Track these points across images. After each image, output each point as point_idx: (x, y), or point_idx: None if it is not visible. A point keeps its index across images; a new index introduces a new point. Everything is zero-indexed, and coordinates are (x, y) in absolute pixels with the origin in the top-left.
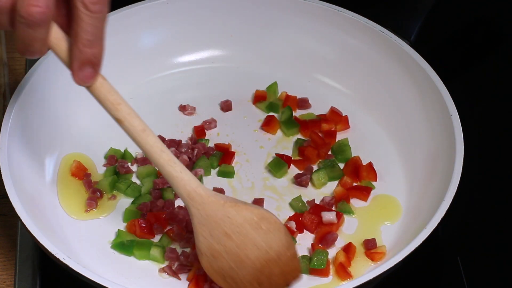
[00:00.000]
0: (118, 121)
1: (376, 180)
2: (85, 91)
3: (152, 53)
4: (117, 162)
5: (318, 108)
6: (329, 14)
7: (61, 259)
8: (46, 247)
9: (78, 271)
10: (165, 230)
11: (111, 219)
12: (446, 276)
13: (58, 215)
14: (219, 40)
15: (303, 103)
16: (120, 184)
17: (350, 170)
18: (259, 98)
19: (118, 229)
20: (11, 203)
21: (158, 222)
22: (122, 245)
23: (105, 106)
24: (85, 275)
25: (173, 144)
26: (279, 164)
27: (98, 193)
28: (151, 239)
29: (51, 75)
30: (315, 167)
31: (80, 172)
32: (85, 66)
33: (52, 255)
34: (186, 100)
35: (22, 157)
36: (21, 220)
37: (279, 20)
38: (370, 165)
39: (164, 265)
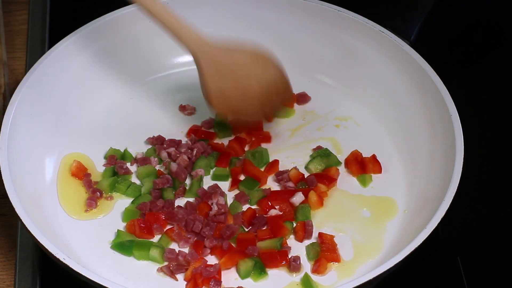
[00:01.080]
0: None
1: (381, 172)
2: (85, 92)
3: (152, 53)
4: (116, 162)
5: (318, 107)
6: (329, 14)
7: (61, 259)
8: (46, 247)
9: (78, 271)
10: (164, 230)
11: (111, 219)
12: (446, 276)
13: (58, 215)
14: (219, 40)
15: (302, 98)
16: (120, 185)
17: (352, 164)
18: None
19: (118, 230)
20: (11, 203)
21: (157, 222)
22: (122, 245)
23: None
24: (85, 275)
25: (172, 144)
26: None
27: (98, 193)
28: (151, 239)
29: (51, 75)
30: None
31: (80, 172)
32: None
33: (52, 255)
34: (186, 100)
35: (22, 157)
36: (21, 220)
37: (279, 20)
38: (374, 157)
39: (163, 265)
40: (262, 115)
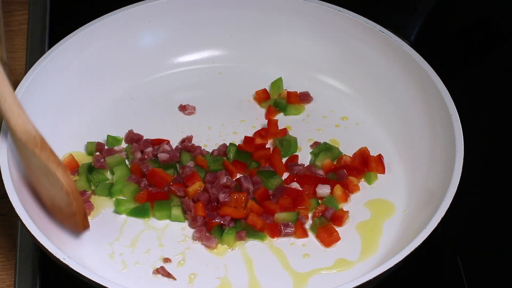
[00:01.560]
0: None
1: (384, 173)
2: (85, 92)
3: (152, 53)
4: (94, 156)
5: (318, 107)
6: (329, 14)
7: (61, 259)
8: (46, 247)
9: (78, 271)
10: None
11: (111, 219)
12: (446, 276)
13: None
14: (219, 40)
15: (305, 97)
16: (93, 176)
17: (358, 160)
18: (262, 98)
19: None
20: (11, 203)
21: (159, 178)
22: (138, 210)
23: None
24: (85, 275)
25: (147, 145)
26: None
27: (86, 192)
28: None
29: (51, 75)
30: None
31: (70, 167)
32: None
33: (52, 255)
34: (186, 100)
35: None
36: (21, 220)
37: (279, 20)
38: (379, 157)
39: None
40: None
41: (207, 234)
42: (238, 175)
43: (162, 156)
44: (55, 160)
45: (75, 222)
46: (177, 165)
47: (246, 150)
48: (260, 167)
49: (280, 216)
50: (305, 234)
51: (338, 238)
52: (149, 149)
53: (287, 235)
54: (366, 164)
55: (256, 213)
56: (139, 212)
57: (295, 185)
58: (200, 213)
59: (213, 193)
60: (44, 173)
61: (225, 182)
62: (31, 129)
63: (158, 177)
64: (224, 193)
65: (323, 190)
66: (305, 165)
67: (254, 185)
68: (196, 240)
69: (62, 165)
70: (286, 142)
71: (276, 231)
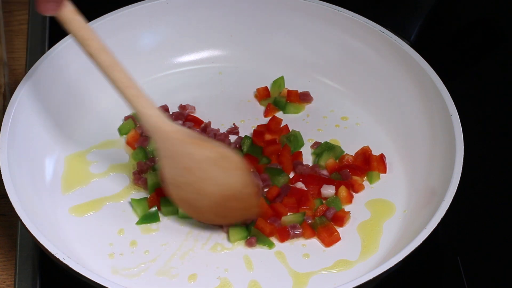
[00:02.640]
0: (89, 55)
1: (385, 172)
2: (85, 92)
3: (152, 53)
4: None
5: (318, 108)
6: (329, 14)
7: (61, 259)
8: (46, 247)
9: (78, 271)
10: None
11: (111, 219)
12: (446, 276)
13: (58, 215)
14: (219, 40)
15: (305, 97)
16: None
17: (360, 159)
18: (263, 95)
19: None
20: (11, 203)
21: None
22: (148, 217)
23: (77, 40)
24: (85, 275)
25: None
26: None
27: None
28: None
29: (51, 75)
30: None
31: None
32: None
33: (52, 255)
34: (186, 100)
35: (22, 157)
36: (21, 220)
37: (279, 20)
38: (381, 156)
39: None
40: (218, 218)
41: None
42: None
43: None
44: (221, 144)
45: (252, 203)
46: None
47: (258, 143)
48: (270, 163)
49: (287, 218)
50: (313, 234)
51: (338, 238)
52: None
53: (295, 236)
54: (368, 163)
55: (264, 215)
56: (149, 218)
57: (300, 185)
58: None
59: None
60: (214, 161)
61: None
62: (180, 126)
63: None
64: None
65: (328, 190)
66: (309, 165)
67: (263, 182)
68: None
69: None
70: (294, 138)
71: (284, 234)
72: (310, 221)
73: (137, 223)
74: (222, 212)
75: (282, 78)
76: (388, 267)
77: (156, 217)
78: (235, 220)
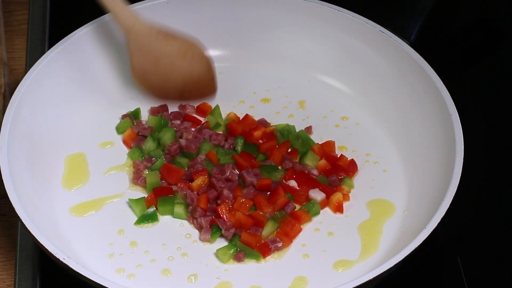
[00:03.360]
0: None
1: (357, 171)
2: (85, 92)
3: None
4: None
5: (318, 108)
6: (329, 14)
7: (61, 259)
8: (46, 247)
9: (78, 271)
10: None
11: (111, 219)
12: (446, 276)
13: (58, 215)
14: (219, 40)
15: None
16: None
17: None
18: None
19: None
20: (11, 203)
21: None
22: (146, 217)
23: None
24: (85, 275)
25: (178, 116)
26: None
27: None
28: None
29: (51, 75)
30: None
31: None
32: None
33: (52, 255)
34: (186, 100)
35: (22, 157)
36: (21, 220)
37: (279, 20)
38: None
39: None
40: (177, 96)
41: (206, 226)
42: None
43: (182, 141)
44: (188, 36)
45: (212, 85)
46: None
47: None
48: (268, 159)
49: (264, 232)
50: (291, 240)
51: (299, 230)
52: (177, 122)
53: (277, 249)
54: (335, 166)
55: (245, 226)
56: (147, 219)
57: (293, 183)
58: (202, 205)
59: (220, 186)
60: (182, 53)
61: (228, 175)
62: (151, 24)
63: (170, 172)
64: (229, 190)
65: (316, 195)
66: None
67: (255, 176)
68: (194, 225)
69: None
70: (287, 132)
71: (266, 250)
72: (268, 215)
73: (136, 223)
74: (184, 92)
75: (217, 107)
76: (388, 267)
77: (154, 217)
78: (195, 99)
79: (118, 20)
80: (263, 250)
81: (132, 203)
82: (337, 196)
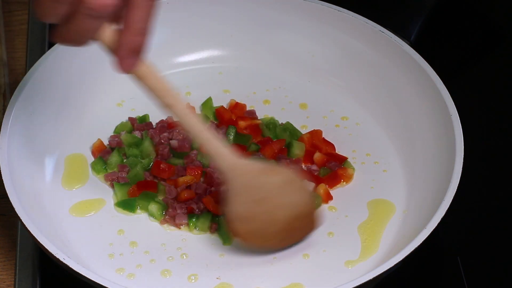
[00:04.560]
0: (166, 106)
1: (334, 150)
2: (85, 92)
3: (152, 53)
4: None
5: (318, 108)
6: (329, 14)
7: (61, 259)
8: (46, 247)
9: (78, 271)
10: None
11: (111, 219)
12: (446, 276)
13: (58, 215)
14: (219, 40)
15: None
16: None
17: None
18: None
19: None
20: (11, 203)
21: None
22: (126, 203)
23: (153, 93)
24: (85, 275)
25: (163, 130)
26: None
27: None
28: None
29: (51, 75)
30: None
31: (99, 150)
32: (131, 54)
33: (52, 255)
34: (186, 100)
35: (22, 157)
36: (21, 220)
37: (279, 20)
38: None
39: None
40: (283, 242)
41: (182, 211)
42: None
43: (174, 143)
44: (282, 167)
45: (313, 218)
46: None
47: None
48: (259, 150)
49: None
50: None
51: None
52: (165, 134)
53: None
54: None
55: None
56: (126, 205)
57: None
58: (180, 199)
59: (217, 178)
60: (283, 187)
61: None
62: (248, 160)
63: (161, 168)
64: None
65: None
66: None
67: None
68: (167, 218)
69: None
70: (272, 125)
71: None
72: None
73: (115, 204)
74: (287, 235)
75: (210, 99)
76: (388, 267)
77: (132, 207)
78: (295, 240)
79: (217, 158)
80: None
81: (117, 186)
82: (322, 187)
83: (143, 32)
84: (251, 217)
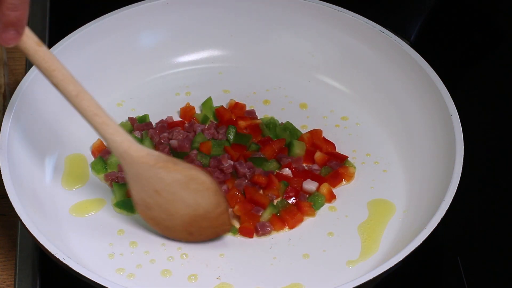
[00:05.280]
0: (54, 85)
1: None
2: None
3: (152, 53)
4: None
5: (318, 108)
6: (329, 14)
7: (61, 259)
8: (46, 247)
9: (78, 271)
10: None
11: (111, 219)
12: (446, 276)
13: (58, 215)
14: (219, 40)
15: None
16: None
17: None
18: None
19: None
20: (11, 203)
21: None
22: (124, 204)
23: (41, 71)
24: (85, 275)
25: (163, 130)
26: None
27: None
28: None
29: None
30: None
31: (100, 150)
32: (8, 28)
33: (52, 255)
34: (186, 100)
35: (22, 157)
36: (21, 220)
37: (279, 20)
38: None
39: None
40: (190, 236)
41: None
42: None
43: (174, 143)
44: (191, 165)
45: (224, 221)
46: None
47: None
48: (260, 150)
49: (264, 214)
50: (283, 225)
51: (301, 219)
52: (165, 134)
53: (265, 233)
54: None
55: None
56: (125, 206)
57: (287, 171)
58: None
59: (217, 177)
60: (184, 184)
61: (225, 166)
62: (149, 150)
63: None
64: (225, 186)
65: (309, 186)
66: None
67: (249, 169)
68: None
69: (197, 167)
70: (272, 125)
71: (254, 231)
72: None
73: (114, 204)
74: (193, 231)
75: (210, 99)
76: (388, 267)
77: (131, 207)
78: (207, 237)
79: (110, 144)
80: (248, 230)
81: (115, 186)
82: (325, 186)
83: (18, 7)
84: (150, 204)
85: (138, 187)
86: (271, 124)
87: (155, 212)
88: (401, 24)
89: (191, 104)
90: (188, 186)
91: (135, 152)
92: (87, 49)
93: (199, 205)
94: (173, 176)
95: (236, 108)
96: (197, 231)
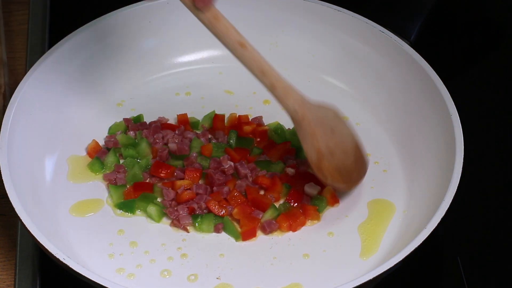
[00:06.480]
0: (231, 50)
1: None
2: (85, 91)
3: (152, 53)
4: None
5: None
6: (329, 14)
7: (61, 259)
8: (46, 247)
9: (78, 271)
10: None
11: (111, 219)
12: (446, 276)
13: (58, 215)
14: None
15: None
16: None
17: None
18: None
19: (111, 193)
20: (11, 203)
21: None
22: (125, 204)
23: (218, 37)
24: (85, 275)
25: (157, 130)
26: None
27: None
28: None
29: (51, 75)
30: None
31: (96, 151)
32: None
33: (52, 255)
34: (186, 100)
35: (22, 157)
36: (21, 220)
37: (279, 20)
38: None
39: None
40: (360, 175)
41: (181, 213)
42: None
43: (172, 146)
44: (332, 108)
45: (362, 163)
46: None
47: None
48: (262, 154)
49: (266, 214)
50: (292, 230)
51: (303, 223)
52: (159, 135)
53: (272, 230)
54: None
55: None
56: (126, 207)
57: (290, 170)
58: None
59: (218, 179)
60: (336, 119)
61: (225, 167)
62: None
63: (161, 168)
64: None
65: (312, 189)
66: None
67: (251, 171)
68: (170, 215)
69: None
70: (281, 131)
71: (260, 230)
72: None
73: (115, 205)
74: (357, 167)
75: (213, 112)
76: (388, 267)
77: (131, 208)
78: (362, 175)
79: (285, 100)
80: (250, 233)
81: (112, 189)
82: (329, 190)
83: None
84: (330, 152)
85: (318, 136)
86: (279, 129)
87: (336, 155)
88: (401, 24)
89: (191, 107)
90: (339, 119)
91: (308, 100)
92: (87, 49)
93: (353, 134)
94: (330, 114)
95: (238, 121)
96: (358, 168)
